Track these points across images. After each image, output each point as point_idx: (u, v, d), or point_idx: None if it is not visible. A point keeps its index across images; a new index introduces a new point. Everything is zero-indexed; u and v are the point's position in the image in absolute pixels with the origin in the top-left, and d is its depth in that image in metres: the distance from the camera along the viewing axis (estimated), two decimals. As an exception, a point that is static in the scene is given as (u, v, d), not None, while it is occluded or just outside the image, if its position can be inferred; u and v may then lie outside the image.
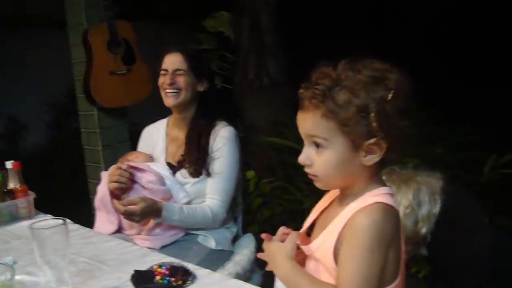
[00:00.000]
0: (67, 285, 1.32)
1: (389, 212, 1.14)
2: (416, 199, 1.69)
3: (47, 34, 5.23)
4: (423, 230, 1.71)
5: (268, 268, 1.27)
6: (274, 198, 3.55)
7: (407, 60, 1.25)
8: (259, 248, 1.33)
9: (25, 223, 1.96)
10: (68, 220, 1.36)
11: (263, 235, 1.28)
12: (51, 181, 4.61)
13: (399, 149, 1.14)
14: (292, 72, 4.07)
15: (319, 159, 1.15)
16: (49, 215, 2.02)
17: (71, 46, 3.66)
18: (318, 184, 1.19)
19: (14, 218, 1.99)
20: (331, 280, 1.17)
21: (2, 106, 6.05)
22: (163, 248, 2.00)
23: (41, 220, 1.66)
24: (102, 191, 2.12)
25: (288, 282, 1.21)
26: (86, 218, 2.22)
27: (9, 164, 2.01)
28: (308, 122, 1.15)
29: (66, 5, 3.64)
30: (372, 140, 1.10)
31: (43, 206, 2.15)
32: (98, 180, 2.19)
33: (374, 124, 1.09)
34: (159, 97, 2.21)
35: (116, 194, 2.08)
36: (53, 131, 6.38)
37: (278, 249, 1.24)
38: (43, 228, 1.30)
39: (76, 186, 4.05)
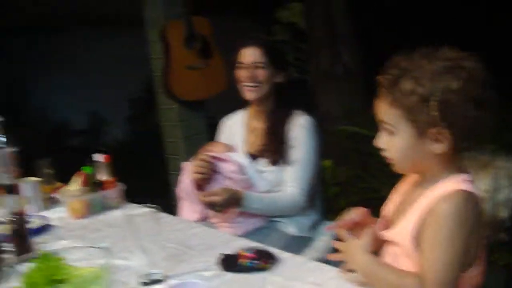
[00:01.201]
0: (159, 268, 1.43)
1: (471, 199, 1.17)
2: (494, 184, 1.68)
3: (126, 31, 5.45)
4: (502, 215, 1.70)
5: (344, 267, 1.33)
6: (350, 186, 3.57)
7: (492, 49, 1.26)
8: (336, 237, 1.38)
9: (115, 213, 2.10)
10: (160, 209, 1.46)
11: (333, 227, 1.34)
12: (133, 173, 4.81)
13: (470, 138, 1.16)
14: (365, 61, 4.07)
15: (390, 144, 1.21)
16: (136, 204, 2.15)
17: (149, 42, 3.81)
18: (393, 168, 1.25)
19: (105, 208, 2.12)
20: (410, 264, 1.21)
21: (85, 103, 6.35)
22: (245, 235, 2.08)
23: (133, 209, 1.80)
24: (186, 182, 2.21)
25: (370, 275, 1.26)
26: (167, 208, 2.33)
27: (99, 157, 2.14)
28: (380, 109, 1.21)
29: (143, 2, 3.78)
30: (434, 129, 1.13)
31: (127, 196, 2.27)
32: (178, 171, 2.29)
33: (436, 113, 1.12)
34: (234, 90, 2.27)
35: (199, 184, 2.18)
36: (133, 125, 6.62)
37: (354, 246, 1.29)
38: (137, 216, 1.40)
39: (157, 178, 4.22)
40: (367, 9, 4.44)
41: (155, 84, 3.83)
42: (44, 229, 1.93)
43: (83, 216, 2.07)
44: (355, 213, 1.39)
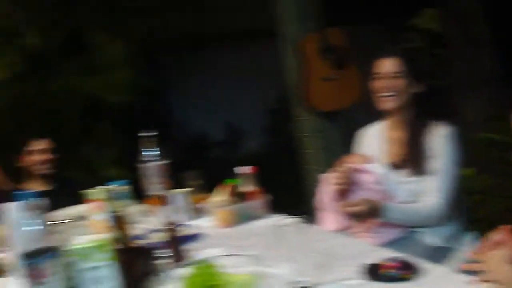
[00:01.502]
0: (306, 276, 1.49)
1: None
2: None
3: (264, 44, 5.64)
4: None
5: (484, 278, 1.30)
6: (490, 196, 3.44)
7: None
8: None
9: (260, 222, 2.20)
10: (307, 220, 1.53)
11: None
12: (269, 184, 4.94)
13: None
14: (505, 66, 3.91)
15: None
16: (280, 214, 2.24)
17: (284, 55, 3.92)
18: None
19: (250, 217, 2.23)
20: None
21: (222, 115, 6.61)
22: (386, 245, 2.09)
23: (278, 219, 1.88)
24: (325, 193, 2.27)
25: None
26: (305, 218, 2.39)
27: (245, 170, 2.26)
28: None
29: (277, 16, 3.90)
30: None
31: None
32: (315, 182, 2.34)
33: None
34: (369, 100, 2.28)
35: (339, 196, 2.22)
36: (269, 136, 6.79)
37: (496, 256, 1.27)
38: (282, 225, 1.48)
39: (294, 188, 4.31)
40: (504, 14, 4.26)
41: (291, 96, 3.93)
42: (194, 237, 2.06)
43: (230, 225, 2.19)
44: (499, 234, 1.35)
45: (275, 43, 3.98)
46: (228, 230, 2.18)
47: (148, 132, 2.49)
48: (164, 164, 2.47)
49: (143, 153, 2.45)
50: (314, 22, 3.65)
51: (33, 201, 1.41)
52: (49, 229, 1.37)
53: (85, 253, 1.31)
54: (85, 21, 4.66)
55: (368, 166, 2.21)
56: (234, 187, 2.24)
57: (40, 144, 3.25)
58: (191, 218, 2.32)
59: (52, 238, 1.34)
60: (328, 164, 2.38)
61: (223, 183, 2.29)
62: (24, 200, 2.12)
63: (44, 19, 4.49)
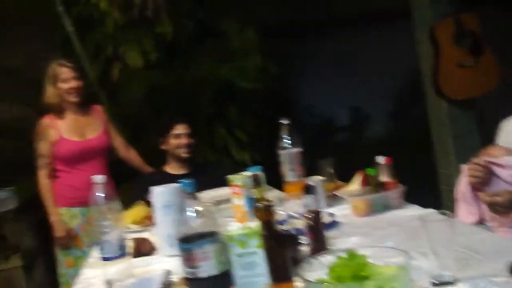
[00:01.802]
0: (449, 270, 1.49)
1: None
2: None
3: (393, 27, 5.56)
4: None
5: None
6: None
7: None
8: None
9: (397, 213, 2.22)
10: (448, 212, 1.53)
11: None
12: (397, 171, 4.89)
13: None
14: None
15: None
16: (415, 205, 2.25)
17: (417, 41, 3.85)
18: None
19: (386, 208, 2.25)
20: None
21: (348, 98, 6.59)
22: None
23: (414, 210, 1.90)
24: (463, 184, 2.24)
25: None
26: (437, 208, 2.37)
27: (381, 160, 2.28)
28: None
29: (411, 1, 3.83)
30: None
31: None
32: (447, 170, 2.31)
33: None
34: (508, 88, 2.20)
35: (475, 188, 2.18)
36: (396, 121, 6.68)
37: None
38: (432, 221, 1.49)
39: (422, 177, 4.24)
40: None
41: (422, 83, 3.86)
42: (332, 225, 2.12)
43: (366, 214, 2.23)
44: None
45: (405, 27, 3.92)
46: (363, 219, 2.21)
47: (284, 119, 2.58)
48: (299, 151, 2.55)
49: (282, 139, 2.54)
50: (448, 6, 3.56)
51: (184, 186, 1.49)
52: (199, 213, 1.45)
53: (239, 239, 1.40)
54: (215, 9, 4.83)
55: (507, 160, 2.15)
56: (371, 177, 2.26)
57: (180, 129, 3.45)
58: (325, 206, 2.37)
59: (203, 222, 1.43)
60: (461, 153, 2.34)
61: (362, 171, 2.33)
62: (177, 184, 2.29)
63: (177, 7, 4.70)
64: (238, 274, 1.42)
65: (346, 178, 2.71)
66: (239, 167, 4.10)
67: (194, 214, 1.41)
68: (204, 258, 1.36)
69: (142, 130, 4.65)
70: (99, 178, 1.87)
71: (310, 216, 1.84)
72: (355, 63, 6.24)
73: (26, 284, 4.44)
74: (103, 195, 1.87)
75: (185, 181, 1.43)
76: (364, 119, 6.75)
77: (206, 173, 3.29)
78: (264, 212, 1.53)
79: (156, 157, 4.13)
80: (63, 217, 3.48)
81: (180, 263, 1.41)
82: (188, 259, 1.37)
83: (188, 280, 1.40)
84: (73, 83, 3.44)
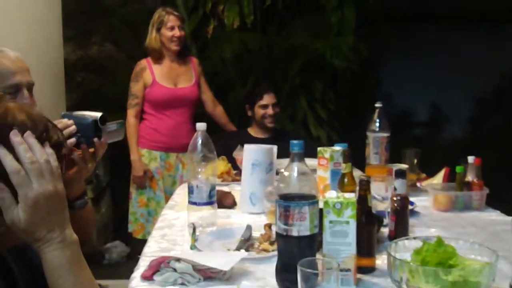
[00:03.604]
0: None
1: None
2: None
3: (493, 31, 5.46)
4: None
5: None
6: None
7: None
8: None
9: (476, 214, 2.24)
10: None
11: None
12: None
13: None
14: None
15: None
16: (497, 210, 2.26)
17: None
18: None
19: (467, 207, 2.27)
20: None
21: (429, 95, 6.51)
22: None
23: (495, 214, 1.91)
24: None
25: None
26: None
27: (470, 159, 2.30)
28: None
29: None
30: None
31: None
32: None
33: None
34: None
35: None
36: (474, 126, 6.57)
37: None
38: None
39: (500, 183, 4.15)
40: None
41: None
42: (411, 213, 2.15)
43: (446, 209, 2.25)
44: None
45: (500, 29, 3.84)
46: (443, 214, 2.24)
47: (378, 103, 2.61)
48: (386, 136, 2.58)
49: (374, 122, 2.57)
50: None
51: (292, 146, 1.52)
52: (303, 175, 1.49)
53: (335, 206, 1.46)
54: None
55: None
56: (459, 174, 2.28)
57: (268, 99, 3.52)
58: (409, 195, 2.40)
59: (304, 184, 1.48)
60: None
61: (448, 167, 2.35)
62: (269, 146, 2.36)
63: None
64: (327, 239, 1.49)
65: (425, 171, 2.75)
66: (314, 142, 4.17)
67: (296, 175, 1.47)
68: (299, 218, 1.43)
69: (227, 89, 4.76)
70: (201, 125, 1.96)
71: (397, 200, 1.89)
72: (444, 61, 6.16)
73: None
74: (202, 142, 1.95)
75: (295, 141, 1.49)
76: (443, 119, 6.66)
77: (286, 140, 3.35)
78: (362, 187, 1.59)
79: (238, 116, 4.25)
80: (143, 158, 3.64)
81: (275, 218, 1.48)
82: (285, 216, 1.44)
83: (279, 236, 1.47)
84: (177, 32, 3.56)
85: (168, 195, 3.44)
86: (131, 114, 3.60)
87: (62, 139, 1.17)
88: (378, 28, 5.63)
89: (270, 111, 3.50)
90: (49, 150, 1.08)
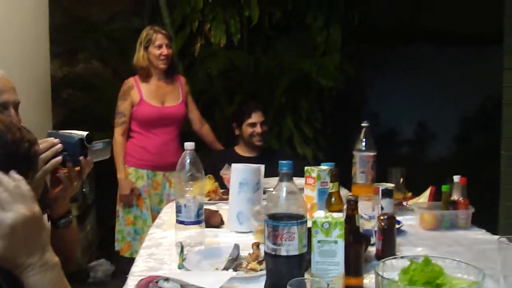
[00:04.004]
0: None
1: None
2: None
3: (469, 49, 5.57)
4: None
5: None
6: None
7: None
8: None
9: (462, 233, 2.26)
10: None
11: None
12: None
13: None
14: None
15: None
16: (482, 229, 2.29)
17: (505, 68, 3.82)
18: None
19: (453, 226, 2.29)
20: None
21: (415, 113, 6.58)
22: None
23: (480, 233, 1.93)
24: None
25: None
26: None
27: (456, 178, 2.32)
28: None
29: (505, 27, 3.80)
30: None
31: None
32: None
33: None
34: None
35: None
36: (460, 144, 6.64)
37: None
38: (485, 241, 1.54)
39: (483, 202, 4.20)
40: None
41: (494, 108, 3.85)
42: (397, 232, 2.17)
43: (432, 228, 2.27)
44: None
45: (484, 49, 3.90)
46: (430, 232, 2.26)
47: (365, 122, 2.63)
48: (373, 155, 2.60)
49: (358, 141, 2.59)
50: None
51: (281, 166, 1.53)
52: (291, 194, 1.50)
53: (324, 226, 1.48)
54: (304, 2, 4.89)
55: None
56: (444, 193, 2.30)
57: (256, 117, 3.54)
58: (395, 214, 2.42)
59: (292, 204, 1.49)
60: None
61: (434, 186, 2.38)
62: (257, 165, 2.37)
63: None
64: (316, 259, 1.50)
65: (411, 190, 2.78)
66: (300, 161, 4.19)
67: (285, 194, 1.48)
68: (288, 238, 1.44)
69: (214, 107, 4.78)
70: (189, 145, 1.97)
71: (384, 219, 1.91)
72: (430, 80, 6.23)
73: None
74: (190, 161, 1.96)
75: (283, 161, 1.50)
76: (429, 137, 6.73)
77: (273, 159, 3.36)
78: (350, 207, 1.61)
79: (225, 134, 4.27)
80: (130, 176, 3.63)
81: (264, 237, 1.49)
82: (273, 236, 1.45)
83: (268, 256, 1.48)
84: (165, 50, 3.57)
85: (155, 213, 3.43)
86: (118, 132, 3.61)
87: (34, 140, 1.18)
88: (364, 46, 5.70)
89: (258, 129, 3.53)
90: (17, 176, 1.08)
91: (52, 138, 1.62)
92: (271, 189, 1.52)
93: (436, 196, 2.51)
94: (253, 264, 1.76)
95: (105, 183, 4.00)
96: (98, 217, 4.88)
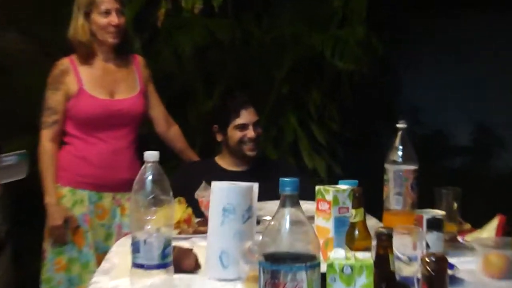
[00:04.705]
0: None
1: None
2: None
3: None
4: None
5: None
6: None
7: None
8: None
9: None
10: None
11: None
12: None
13: None
14: None
15: None
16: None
17: None
18: None
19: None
20: None
21: (472, 109, 6.57)
22: None
23: None
24: None
25: None
26: None
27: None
28: None
29: None
30: None
31: None
32: None
33: None
34: None
35: None
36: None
37: None
38: None
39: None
40: None
41: None
42: (452, 280, 2.16)
43: (502, 276, 2.26)
44: None
45: None
46: (500, 283, 2.25)
47: (401, 123, 2.62)
48: (413, 169, 2.59)
49: (392, 150, 2.58)
50: None
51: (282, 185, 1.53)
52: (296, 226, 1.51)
53: (344, 272, 1.48)
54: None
55: None
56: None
57: (247, 116, 3.52)
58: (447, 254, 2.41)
59: (299, 239, 1.49)
60: None
61: (509, 216, 2.38)
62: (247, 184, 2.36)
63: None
64: (333, 318, 1.50)
65: (469, 219, 2.77)
66: (309, 177, 4.19)
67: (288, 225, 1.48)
68: (293, 286, 1.44)
69: (186, 101, 4.77)
70: (151, 155, 1.96)
71: (430, 262, 1.90)
72: (495, 62, 6.24)
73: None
74: (152, 178, 1.95)
75: (285, 178, 1.50)
76: (493, 144, 6.73)
77: (271, 174, 3.33)
78: (382, 243, 1.60)
79: (201, 140, 4.26)
80: (63, 200, 3.60)
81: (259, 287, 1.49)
82: (272, 285, 1.44)
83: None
84: (115, 18, 3.52)
85: (100, 253, 3.40)
86: (46, 136, 3.57)
87: None
88: (399, 14, 5.72)
89: (250, 133, 3.49)
90: None
91: None
92: (268, 218, 1.52)
93: (506, 229, 2.51)
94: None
95: (27, 210, 3.97)
96: (15, 259, 4.84)
